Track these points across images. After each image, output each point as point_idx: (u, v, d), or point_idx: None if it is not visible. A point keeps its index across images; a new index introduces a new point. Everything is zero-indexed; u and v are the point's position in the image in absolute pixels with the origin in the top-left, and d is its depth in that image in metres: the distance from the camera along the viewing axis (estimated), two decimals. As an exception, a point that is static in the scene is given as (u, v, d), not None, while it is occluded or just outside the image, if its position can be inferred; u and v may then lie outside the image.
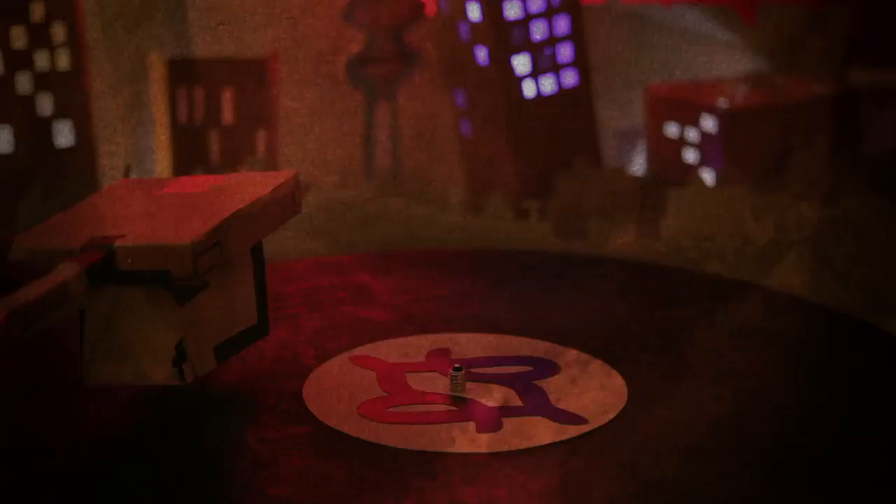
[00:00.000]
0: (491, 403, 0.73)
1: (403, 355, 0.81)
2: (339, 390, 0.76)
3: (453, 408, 0.73)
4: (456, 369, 0.75)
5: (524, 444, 0.69)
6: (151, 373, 0.69)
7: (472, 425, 0.71)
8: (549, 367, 0.78)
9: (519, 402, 0.73)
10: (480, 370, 0.78)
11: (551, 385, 0.75)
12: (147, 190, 0.76)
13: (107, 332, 0.69)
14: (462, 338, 0.83)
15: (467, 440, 0.70)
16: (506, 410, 0.72)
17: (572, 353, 0.80)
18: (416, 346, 0.82)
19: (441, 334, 0.84)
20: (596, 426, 0.70)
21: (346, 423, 0.71)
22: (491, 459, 0.67)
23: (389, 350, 0.82)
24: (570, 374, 0.77)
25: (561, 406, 0.73)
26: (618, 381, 0.76)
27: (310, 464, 0.68)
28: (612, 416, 0.71)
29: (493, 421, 0.71)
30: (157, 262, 0.66)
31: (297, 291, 0.93)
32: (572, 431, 0.70)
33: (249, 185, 0.73)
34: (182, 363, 0.69)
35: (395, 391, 0.75)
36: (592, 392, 0.74)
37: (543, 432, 0.70)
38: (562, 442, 0.69)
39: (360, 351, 0.82)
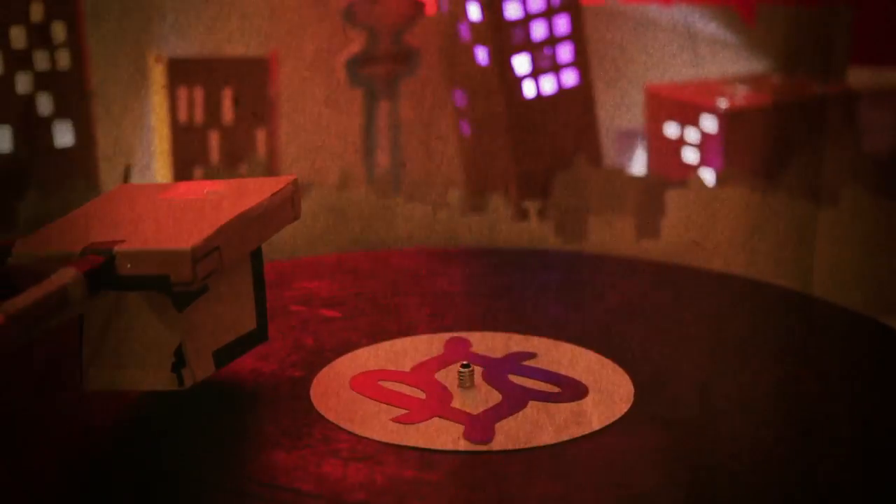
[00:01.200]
0: (453, 405, 0.73)
1: (488, 349, 0.81)
2: (381, 358, 0.78)
3: (423, 397, 0.73)
4: (464, 366, 0.75)
5: (399, 441, 0.68)
6: (150, 378, 0.69)
7: (402, 414, 0.71)
8: (575, 393, 0.75)
9: (476, 412, 0.72)
10: (514, 377, 0.77)
11: (543, 408, 0.73)
12: (146, 195, 0.76)
13: (106, 338, 0.69)
14: (562, 347, 0.81)
15: (367, 422, 0.70)
16: (449, 412, 0.72)
17: (621, 387, 0.76)
18: (511, 343, 0.82)
19: (550, 340, 0.83)
20: (484, 450, 0.68)
21: (322, 384, 0.74)
22: (357, 444, 0.68)
23: (488, 341, 0.82)
24: (577, 407, 0.73)
25: (505, 428, 0.70)
26: (600, 421, 0.71)
27: (245, 406, 0.72)
28: (516, 448, 0.68)
29: (418, 416, 0.71)
30: (156, 267, 0.66)
31: (477, 281, 0.96)
32: (455, 445, 0.68)
33: (248, 191, 0.73)
34: (181, 368, 0.69)
35: (414, 372, 0.76)
36: (558, 425, 0.71)
37: (433, 439, 0.69)
38: (427, 450, 0.67)
39: (465, 334, 0.82)
